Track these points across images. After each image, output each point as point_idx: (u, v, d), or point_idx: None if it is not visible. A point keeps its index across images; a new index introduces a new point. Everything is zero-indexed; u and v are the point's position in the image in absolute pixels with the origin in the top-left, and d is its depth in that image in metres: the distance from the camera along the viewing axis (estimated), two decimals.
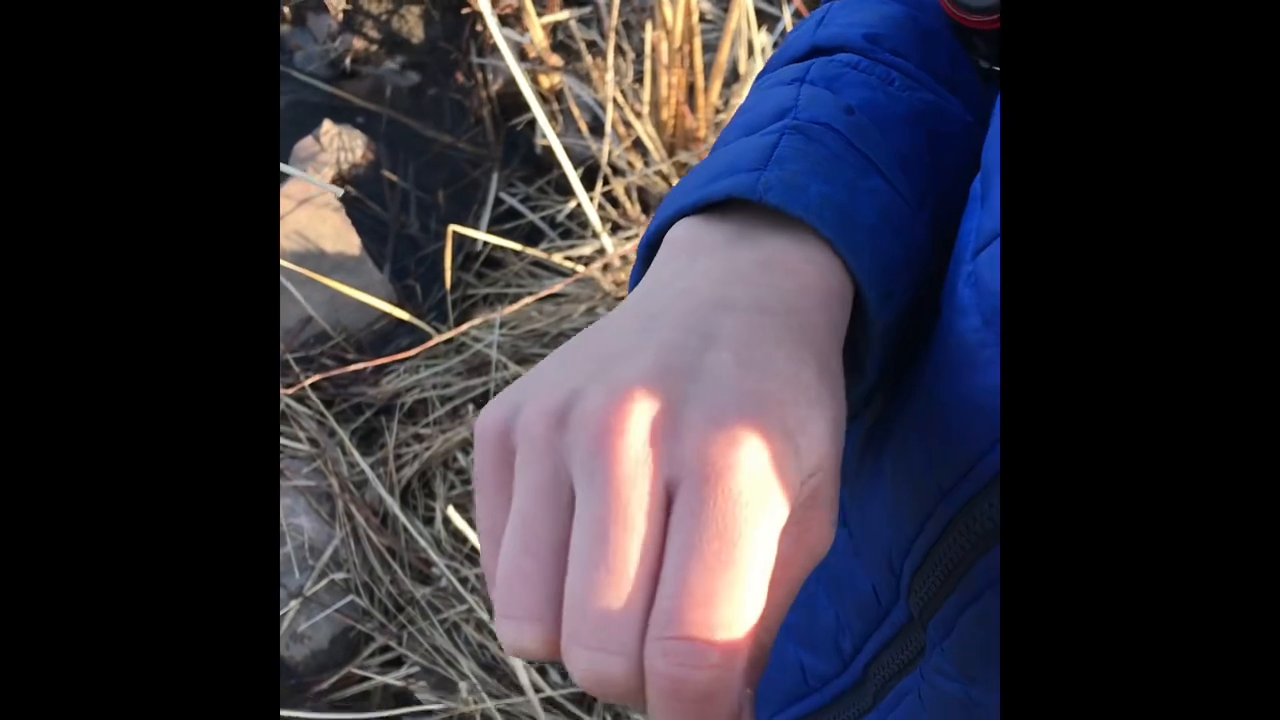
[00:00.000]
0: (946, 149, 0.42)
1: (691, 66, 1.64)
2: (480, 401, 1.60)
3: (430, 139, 1.93)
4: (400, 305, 1.67)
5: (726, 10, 1.87)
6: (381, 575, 1.47)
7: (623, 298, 1.15)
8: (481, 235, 1.69)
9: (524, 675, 1.37)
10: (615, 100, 1.69)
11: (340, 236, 1.70)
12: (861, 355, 0.39)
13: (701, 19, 1.82)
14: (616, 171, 1.74)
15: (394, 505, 1.50)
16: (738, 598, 0.28)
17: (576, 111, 1.78)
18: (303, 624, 1.43)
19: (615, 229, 1.70)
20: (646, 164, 1.72)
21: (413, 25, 2.03)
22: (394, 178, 1.88)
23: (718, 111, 1.71)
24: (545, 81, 1.86)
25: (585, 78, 1.83)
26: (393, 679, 1.41)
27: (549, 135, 1.50)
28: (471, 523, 1.45)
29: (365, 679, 1.42)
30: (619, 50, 1.85)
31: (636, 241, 1.62)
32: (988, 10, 0.44)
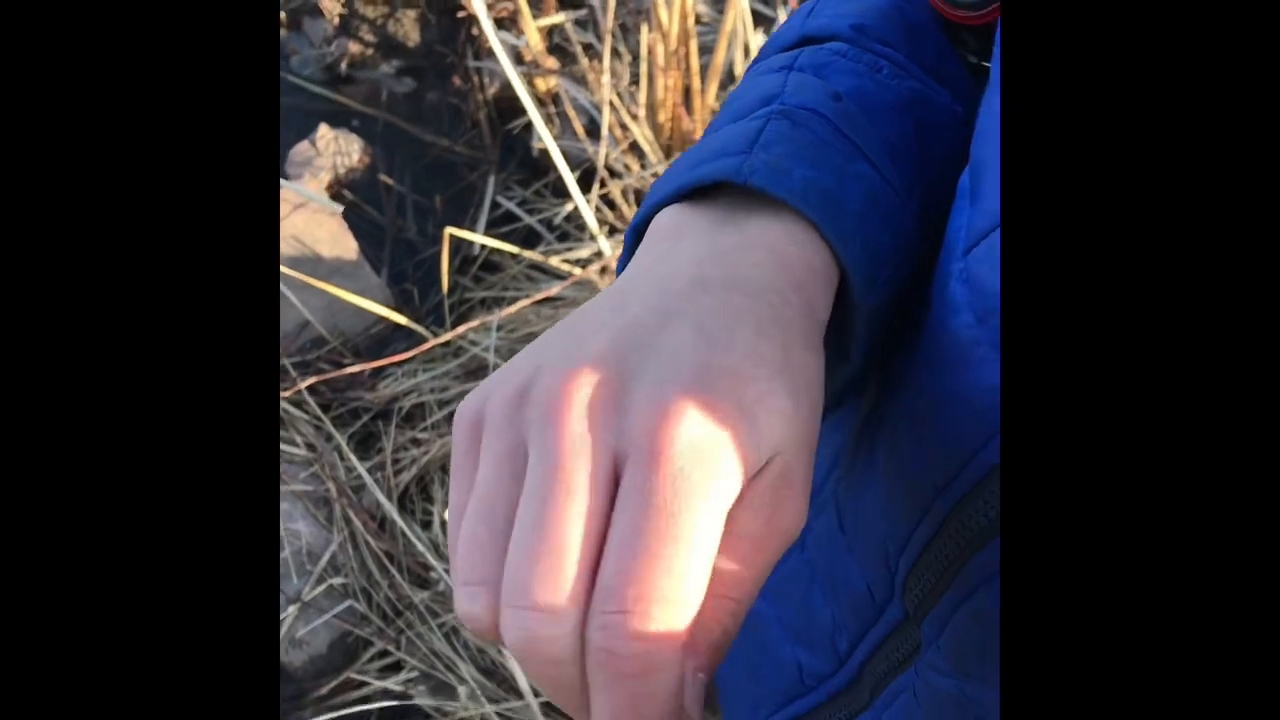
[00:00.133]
0: (934, 138, 0.42)
1: (688, 69, 1.64)
2: None
3: (427, 143, 1.93)
4: (397, 309, 1.67)
5: (722, 12, 1.87)
6: (380, 580, 1.46)
7: None
8: (478, 238, 1.69)
9: (523, 679, 1.37)
10: (611, 103, 1.69)
11: (337, 241, 1.70)
12: (847, 340, 0.39)
13: (697, 21, 1.82)
14: (613, 174, 1.74)
15: (392, 510, 1.50)
16: (678, 573, 0.28)
17: (573, 114, 1.78)
18: (301, 629, 1.43)
19: (612, 231, 1.70)
20: (643, 166, 1.72)
21: (408, 29, 2.03)
22: (390, 182, 1.88)
23: (714, 113, 1.71)
24: (541, 85, 1.86)
25: (581, 81, 1.83)
26: (391, 684, 1.41)
27: (545, 138, 1.50)
28: None
29: (364, 684, 1.42)
30: (615, 53, 1.85)
31: None
32: (975, 6, 0.44)
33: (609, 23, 1.69)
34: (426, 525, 1.53)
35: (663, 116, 1.68)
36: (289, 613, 1.42)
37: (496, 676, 1.41)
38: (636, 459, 0.29)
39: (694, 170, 0.38)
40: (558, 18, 1.89)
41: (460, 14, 1.98)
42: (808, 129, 0.39)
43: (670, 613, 0.28)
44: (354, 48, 2.00)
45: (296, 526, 1.47)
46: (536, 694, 1.37)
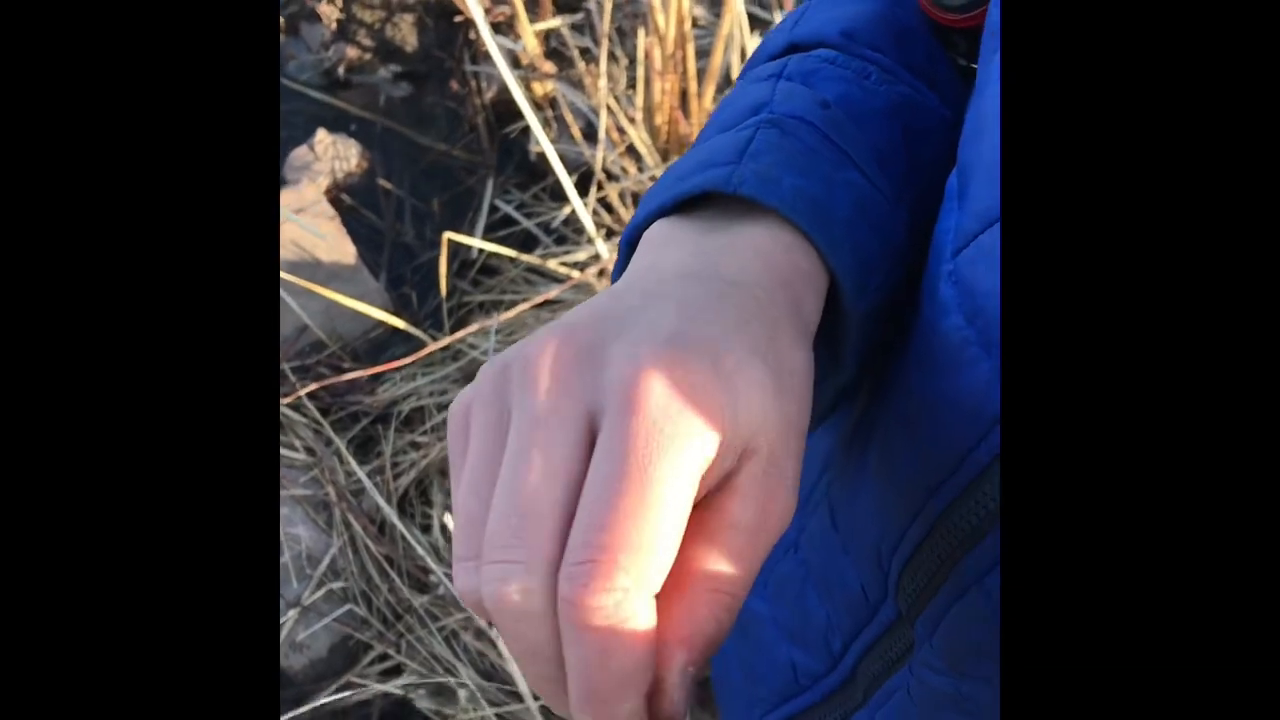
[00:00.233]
0: (923, 143, 0.42)
1: (684, 72, 1.64)
2: None
3: (425, 147, 1.93)
4: (396, 313, 1.67)
5: (719, 16, 1.87)
6: (379, 583, 1.46)
7: None
8: (476, 242, 1.69)
9: (523, 682, 1.37)
10: (609, 106, 1.70)
11: (335, 245, 1.70)
12: (840, 347, 0.39)
13: (694, 24, 1.82)
14: (611, 177, 1.74)
15: (391, 514, 1.50)
16: (648, 522, 0.28)
17: (570, 118, 1.78)
18: (301, 633, 1.43)
19: (610, 234, 1.70)
20: (641, 169, 1.72)
21: (406, 34, 2.03)
22: (389, 186, 1.88)
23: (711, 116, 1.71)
24: (539, 88, 1.86)
25: (578, 84, 1.83)
26: (392, 687, 1.41)
27: (543, 142, 1.50)
28: None
29: (364, 688, 1.42)
30: (612, 56, 1.85)
31: None
32: (965, 9, 0.44)
33: (605, 26, 1.69)
34: (426, 529, 1.53)
35: (660, 120, 1.69)
36: (289, 617, 1.42)
37: (497, 680, 1.41)
38: (611, 412, 0.29)
39: (684, 181, 0.38)
40: (554, 22, 1.89)
41: (457, 18, 1.98)
42: (796, 137, 0.39)
43: (639, 561, 0.28)
44: (351, 52, 2.00)
45: (296, 531, 1.47)
46: (536, 697, 1.37)
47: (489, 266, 1.78)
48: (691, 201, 0.38)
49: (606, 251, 1.62)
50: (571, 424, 0.29)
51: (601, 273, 1.62)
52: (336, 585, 1.45)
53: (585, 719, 0.29)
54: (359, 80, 2.00)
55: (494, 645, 1.41)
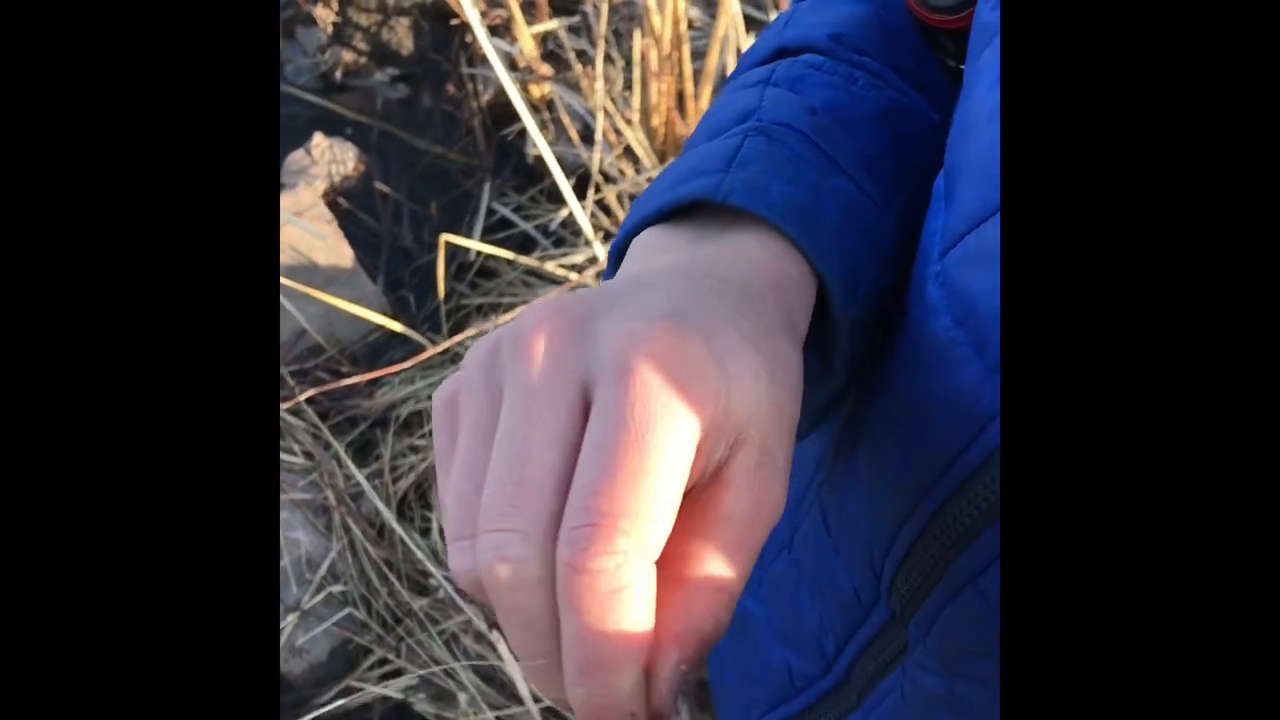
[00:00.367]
0: (912, 147, 0.42)
1: (681, 73, 1.64)
2: None
3: (422, 150, 1.93)
4: (394, 317, 1.67)
5: (714, 17, 1.87)
6: (379, 587, 1.46)
7: None
8: (474, 245, 1.69)
9: (523, 685, 1.37)
10: (605, 108, 1.70)
11: (333, 249, 1.70)
12: (829, 354, 0.39)
13: (690, 26, 1.82)
14: (608, 179, 1.74)
15: (390, 517, 1.50)
16: (646, 488, 0.28)
17: (567, 120, 1.78)
18: (301, 637, 1.42)
19: (608, 237, 1.70)
20: (638, 171, 1.72)
21: (402, 37, 2.03)
22: (386, 189, 1.88)
23: None
24: (535, 91, 1.86)
25: (575, 86, 1.83)
26: (392, 691, 1.41)
27: (540, 144, 1.50)
28: None
29: (364, 691, 1.42)
30: (608, 58, 1.85)
31: None
32: (953, 10, 0.44)
33: (602, 28, 1.69)
34: (425, 532, 1.53)
35: (656, 121, 1.69)
36: (288, 621, 1.42)
37: (496, 682, 1.41)
38: (605, 381, 0.29)
39: (673, 190, 0.38)
40: (551, 24, 1.89)
41: (453, 21, 1.98)
42: (784, 145, 0.39)
43: (639, 526, 0.28)
44: (348, 56, 2.00)
45: (295, 535, 1.47)
46: (537, 700, 1.37)
47: (487, 269, 1.78)
48: (680, 209, 0.38)
49: (604, 254, 1.62)
50: (564, 393, 0.29)
51: (599, 275, 1.62)
52: (336, 589, 1.45)
53: (583, 692, 0.29)
54: (355, 84, 2.00)
55: (494, 648, 1.41)
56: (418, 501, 1.56)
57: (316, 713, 1.39)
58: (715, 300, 0.32)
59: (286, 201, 1.70)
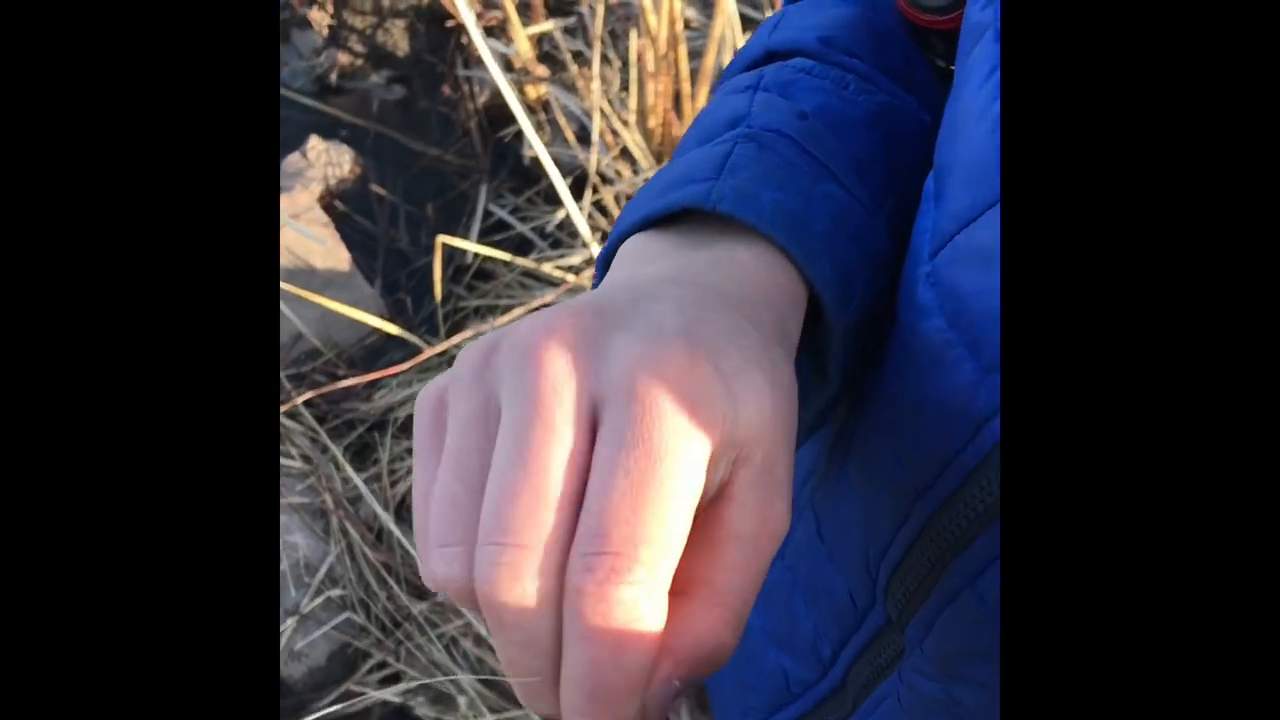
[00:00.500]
0: (902, 149, 0.42)
1: (677, 74, 1.64)
2: None
3: (418, 152, 1.93)
4: (391, 319, 1.67)
5: (711, 17, 1.87)
6: (378, 591, 1.46)
7: None
8: (471, 246, 1.69)
9: None
10: (602, 109, 1.69)
11: (330, 252, 1.70)
12: (824, 360, 0.38)
13: (686, 26, 1.82)
14: (605, 180, 1.74)
15: (389, 520, 1.49)
16: (664, 516, 0.27)
17: (563, 121, 1.77)
18: (300, 642, 1.42)
19: (605, 238, 1.70)
20: (635, 172, 1.72)
21: (398, 39, 2.02)
22: (382, 192, 1.88)
23: None
24: (532, 92, 1.85)
25: (571, 87, 1.83)
26: (391, 695, 1.40)
27: (536, 146, 1.50)
28: None
29: (364, 696, 1.41)
30: (604, 59, 1.85)
31: None
32: (943, 10, 0.44)
33: (598, 29, 1.69)
34: None
35: (653, 122, 1.68)
36: (287, 625, 1.42)
37: (496, 686, 1.41)
38: (619, 401, 0.28)
39: (662, 197, 0.38)
40: (547, 25, 1.89)
41: (449, 23, 1.98)
42: (775, 151, 0.39)
43: (654, 555, 0.27)
44: (343, 58, 2.00)
45: (294, 539, 1.47)
46: None
47: (484, 271, 1.78)
48: (670, 216, 0.38)
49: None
50: (575, 408, 0.28)
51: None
52: (334, 593, 1.45)
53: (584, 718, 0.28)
54: (351, 86, 2.00)
55: (493, 651, 1.41)
56: None
57: (316, 715, 1.39)
58: (717, 315, 0.31)
59: (283, 205, 1.70)
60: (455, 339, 1.58)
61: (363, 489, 1.52)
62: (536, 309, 1.63)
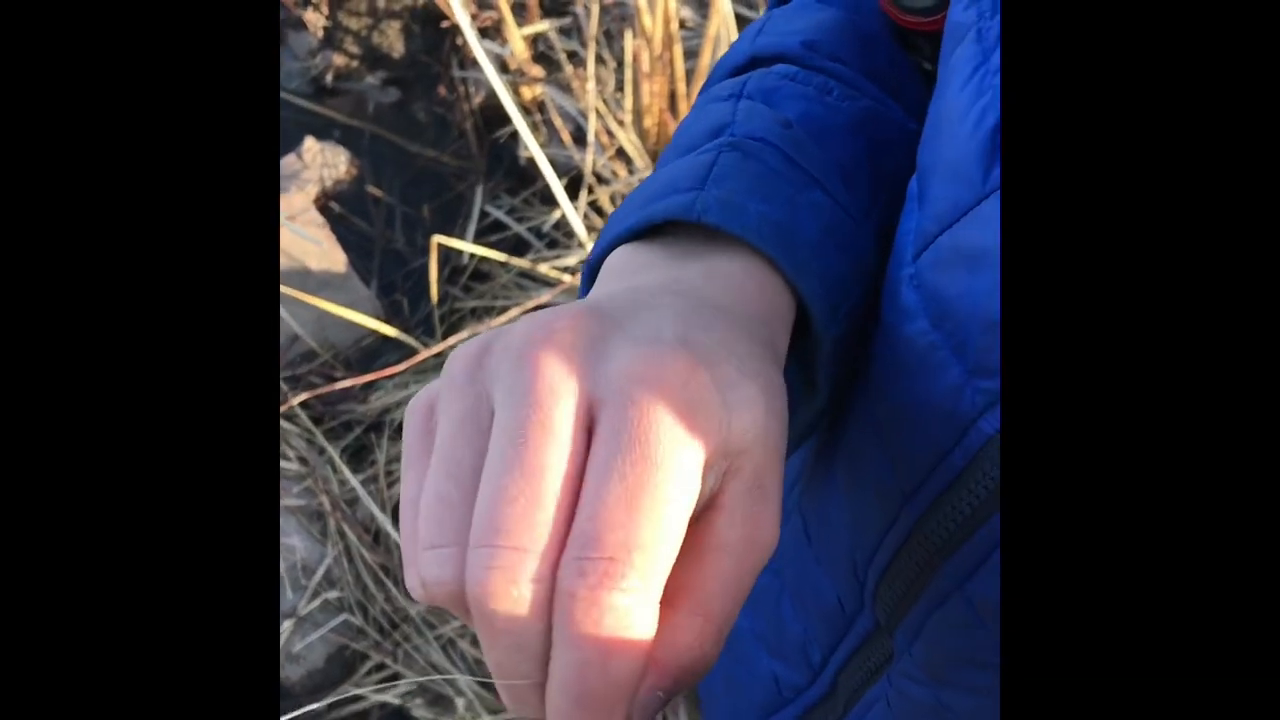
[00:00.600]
0: (887, 155, 0.42)
1: (673, 73, 1.64)
2: None
3: (414, 153, 1.93)
4: (387, 321, 1.67)
5: (706, 17, 1.87)
6: (375, 593, 1.46)
7: None
8: (467, 247, 1.69)
9: None
10: (597, 110, 1.69)
11: (325, 254, 1.70)
12: (812, 372, 0.38)
13: (681, 26, 1.82)
14: (601, 181, 1.74)
15: (386, 522, 1.49)
16: (660, 522, 0.27)
17: (559, 122, 1.77)
18: (297, 644, 1.42)
19: None
20: (631, 172, 1.72)
21: (393, 40, 2.02)
22: (378, 193, 1.87)
23: None
24: (527, 93, 1.85)
25: (567, 88, 1.83)
26: (390, 697, 1.40)
27: (532, 146, 1.50)
28: None
29: (362, 698, 1.41)
30: (600, 59, 1.84)
31: None
32: (928, 11, 0.44)
33: (593, 29, 1.68)
34: None
35: (649, 122, 1.68)
36: (285, 628, 1.42)
37: (494, 688, 1.40)
38: (617, 404, 0.28)
39: (646, 208, 0.37)
40: (542, 25, 1.89)
41: (444, 24, 1.98)
42: (759, 160, 0.39)
43: (648, 561, 0.27)
44: (338, 60, 2.00)
45: (291, 541, 1.47)
46: None
47: (480, 272, 1.77)
48: (655, 227, 0.37)
49: None
50: (573, 409, 0.28)
51: None
52: (332, 595, 1.45)
53: None
54: (346, 87, 2.00)
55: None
56: None
57: (314, 706, 1.39)
58: (714, 326, 0.31)
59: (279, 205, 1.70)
60: (452, 340, 1.58)
61: (360, 490, 1.52)
62: (533, 310, 1.63)
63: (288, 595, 1.44)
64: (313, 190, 1.81)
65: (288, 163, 1.84)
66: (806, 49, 0.44)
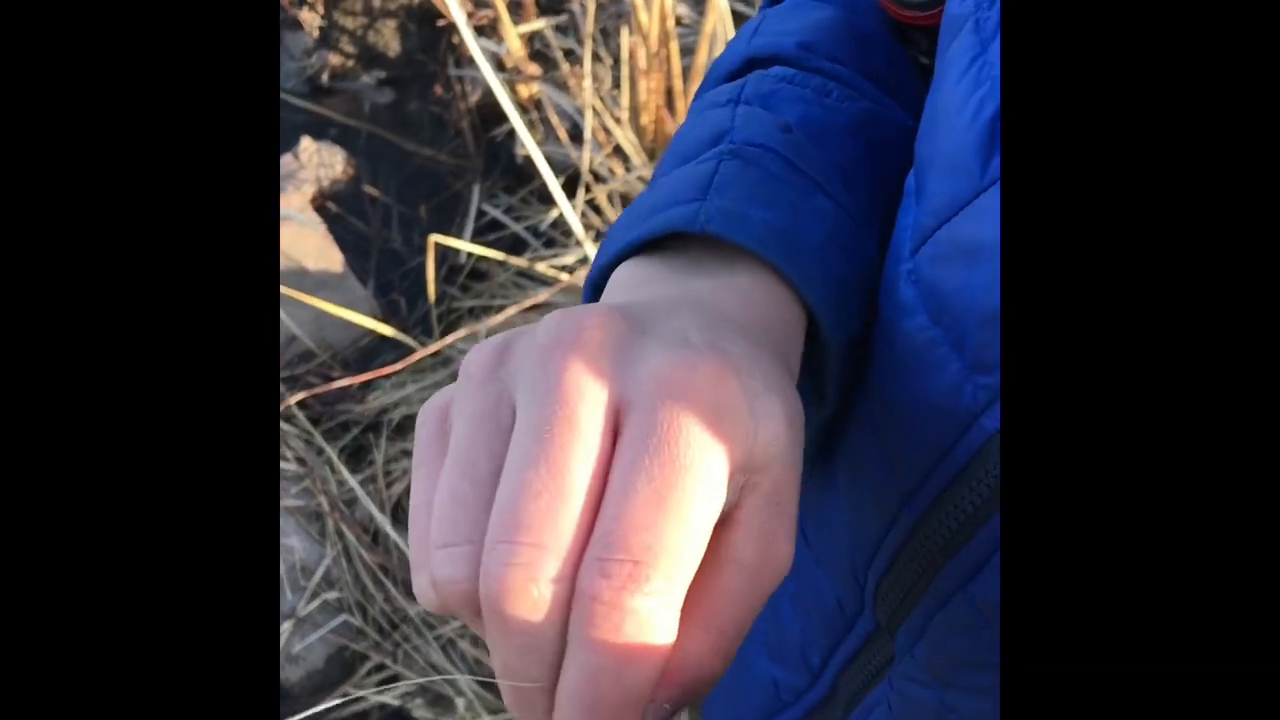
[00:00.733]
0: (887, 155, 0.42)
1: (669, 71, 1.63)
2: None
3: (410, 153, 1.93)
4: (385, 320, 1.66)
5: (702, 14, 1.86)
6: (374, 593, 1.45)
7: None
8: (464, 246, 1.69)
9: None
10: (594, 107, 1.69)
11: (323, 254, 1.69)
12: (821, 380, 0.38)
13: (677, 23, 1.81)
14: (598, 179, 1.73)
15: (385, 522, 1.49)
16: (685, 525, 0.26)
17: (556, 120, 1.77)
18: (297, 645, 1.42)
19: (599, 236, 1.69)
20: (628, 170, 1.71)
21: (389, 39, 2.02)
22: (375, 193, 1.87)
23: None
24: (523, 91, 1.85)
25: (563, 86, 1.82)
26: (389, 698, 1.40)
27: (528, 145, 1.49)
28: None
29: (362, 699, 1.41)
30: (596, 57, 1.84)
31: None
32: (925, 6, 0.43)
33: (589, 27, 1.68)
34: None
35: (646, 119, 1.68)
36: (284, 629, 1.41)
37: (494, 688, 1.40)
38: (646, 407, 0.27)
39: (649, 220, 0.37)
40: (538, 24, 1.88)
41: (440, 22, 1.97)
42: (760, 166, 0.38)
43: (672, 566, 0.26)
44: (334, 59, 1.99)
45: (289, 542, 1.46)
46: None
47: (477, 271, 1.77)
48: (659, 238, 0.37)
49: (595, 253, 1.61)
50: (601, 409, 0.28)
51: None
52: (331, 596, 1.44)
53: None
54: (342, 87, 1.99)
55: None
56: None
57: (315, 709, 1.38)
58: (735, 337, 0.31)
59: None
60: (449, 339, 1.58)
61: (358, 491, 1.51)
62: (531, 309, 1.62)
63: (287, 596, 1.44)
64: (309, 190, 1.80)
65: (284, 163, 1.83)
66: (803, 50, 0.44)
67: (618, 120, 1.71)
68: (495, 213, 1.82)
